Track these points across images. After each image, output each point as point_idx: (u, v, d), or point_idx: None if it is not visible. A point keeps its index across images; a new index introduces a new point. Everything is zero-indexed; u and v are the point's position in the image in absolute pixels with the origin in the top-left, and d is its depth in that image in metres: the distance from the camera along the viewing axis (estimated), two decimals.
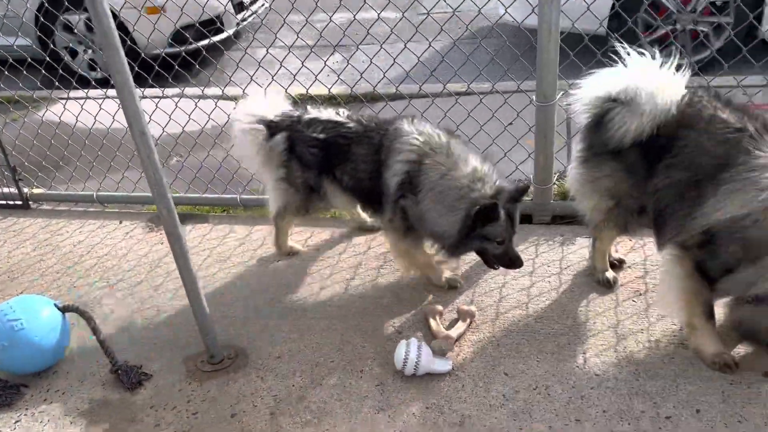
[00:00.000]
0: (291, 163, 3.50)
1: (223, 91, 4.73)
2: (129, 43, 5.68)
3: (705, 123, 2.59)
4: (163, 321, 3.43)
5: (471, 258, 3.63)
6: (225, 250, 4.00)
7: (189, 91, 4.97)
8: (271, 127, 3.52)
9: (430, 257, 3.37)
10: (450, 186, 2.97)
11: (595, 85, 2.82)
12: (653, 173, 2.72)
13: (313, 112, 3.49)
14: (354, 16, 4.03)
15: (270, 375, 2.99)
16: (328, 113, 3.46)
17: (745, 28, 4.63)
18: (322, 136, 3.37)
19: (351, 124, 3.35)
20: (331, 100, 5.62)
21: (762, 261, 2.36)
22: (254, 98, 3.69)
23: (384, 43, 4.12)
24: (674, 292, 2.71)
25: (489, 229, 2.93)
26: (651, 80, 2.65)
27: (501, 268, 3.13)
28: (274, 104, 3.63)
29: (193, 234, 4.24)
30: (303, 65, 4.40)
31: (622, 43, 2.79)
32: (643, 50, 2.77)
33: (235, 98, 4.48)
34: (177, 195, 4.53)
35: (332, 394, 2.83)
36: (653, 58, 2.73)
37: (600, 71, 2.84)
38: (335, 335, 3.17)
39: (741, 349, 2.78)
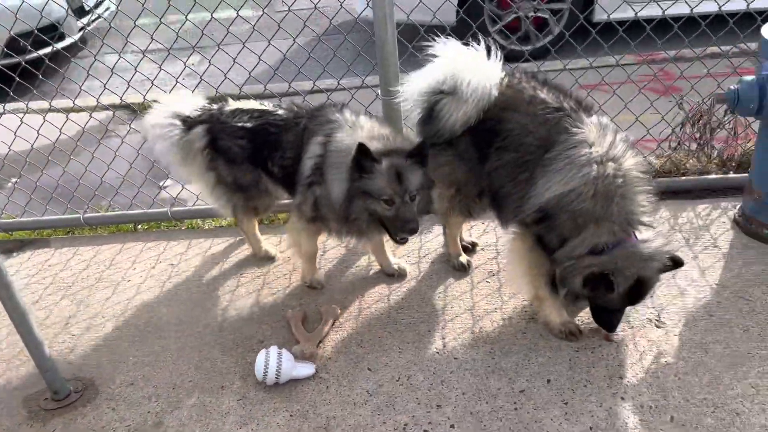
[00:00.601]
0: (217, 162, 3.21)
1: (74, 102, 4.34)
2: None
3: (526, 104, 2.72)
4: None
5: (333, 256, 3.60)
6: (69, 276, 3.70)
7: (35, 104, 4.54)
8: (188, 121, 3.23)
9: (314, 252, 3.28)
10: (341, 148, 2.82)
11: (419, 80, 2.88)
12: (486, 158, 2.82)
13: (236, 103, 3.25)
14: (212, 15, 3.85)
15: (123, 404, 2.79)
16: (252, 103, 3.24)
17: (580, 13, 4.91)
18: (249, 125, 3.11)
19: (280, 112, 3.14)
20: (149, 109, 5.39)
21: (586, 229, 2.52)
22: (170, 97, 3.42)
23: (247, 41, 3.98)
24: (519, 268, 2.84)
25: (368, 183, 2.69)
26: (467, 67, 2.74)
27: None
28: (191, 102, 3.34)
29: (33, 261, 3.89)
30: (161, 69, 4.15)
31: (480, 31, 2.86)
32: (456, 40, 2.85)
33: (87, 108, 4.17)
34: (11, 220, 4.14)
35: (191, 415, 2.69)
36: (467, 46, 2.82)
37: (421, 69, 2.90)
38: (193, 353, 3.02)
39: (584, 316, 2.95)
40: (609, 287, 2.47)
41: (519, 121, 2.70)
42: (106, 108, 4.53)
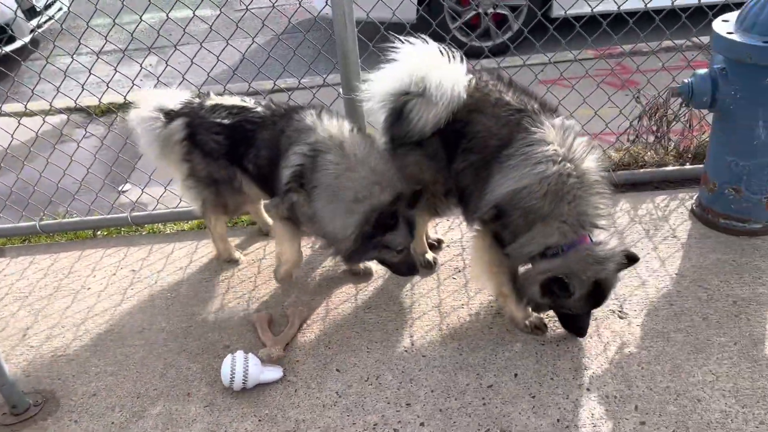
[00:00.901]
0: (193, 155, 3.19)
1: (26, 106, 4.19)
2: None
3: (492, 107, 2.73)
4: None
5: None
6: (26, 285, 3.59)
7: None
8: (170, 114, 3.19)
9: (297, 261, 3.23)
10: (346, 187, 2.78)
11: (385, 81, 2.86)
12: (454, 159, 2.83)
13: (216, 98, 3.20)
14: (167, 15, 3.76)
15: (85, 416, 2.72)
16: (233, 99, 3.19)
17: (539, 9, 4.96)
18: (227, 121, 3.08)
19: (258, 109, 3.09)
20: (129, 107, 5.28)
21: (535, 227, 2.54)
22: (154, 91, 3.36)
23: (204, 41, 3.90)
24: (481, 265, 2.86)
25: (389, 238, 2.81)
26: (436, 69, 2.73)
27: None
28: (175, 96, 3.29)
29: None
30: (116, 71, 4.05)
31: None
32: (419, 39, 2.85)
33: (40, 112, 4.03)
34: None
35: (157, 425, 2.64)
36: (428, 45, 2.82)
37: (384, 68, 2.88)
38: (157, 361, 2.96)
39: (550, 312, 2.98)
40: (566, 291, 2.49)
41: (484, 123, 2.71)
42: (60, 112, 4.41)
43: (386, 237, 2.81)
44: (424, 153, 2.93)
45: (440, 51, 2.79)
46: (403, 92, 2.80)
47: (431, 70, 2.72)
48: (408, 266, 2.96)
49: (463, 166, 2.79)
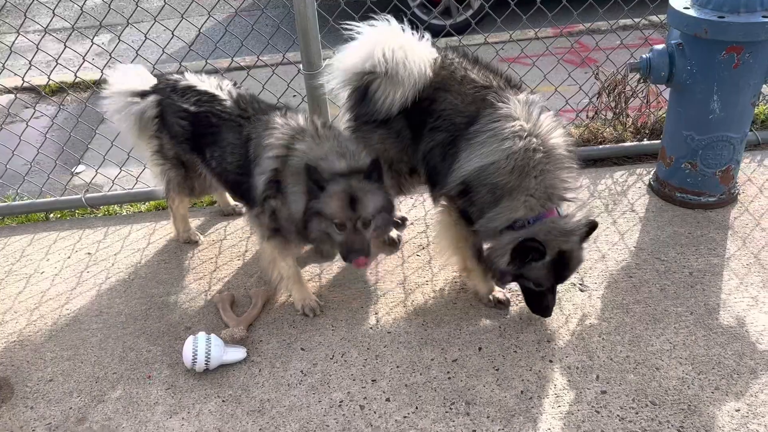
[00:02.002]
0: (162, 134, 3.11)
1: None
2: None
3: (458, 84, 2.72)
4: None
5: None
6: None
7: None
8: (145, 93, 3.11)
9: (296, 273, 2.98)
10: (302, 163, 2.63)
11: (348, 59, 2.82)
12: (420, 138, 2.82)
13: (192, 79, 3.08)
14: None
15: (42, 402, 2.64)
16: (209, 83, 3.05)
17: None
18: (192, 108, 2.97)
19: (227, 102, 2.96)
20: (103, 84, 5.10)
21: (503, 202, 2.54)
22: (132, 66, 3.27)
23: (158, 16, 3.76)
24: (447, 240, 2.86)
25: (321, 204, 2.56)
26: (401, 48, 2.70)
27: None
28: (145, 76, 3.22)
29: None
30: (66, 47, 3.88)
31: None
32: (380, 19, 2.81)
33: None
34: None
35: (117, 408, 2.58)
36: (391, 24, 2.79)
37: (346, 46, 2.84)
38: (116, 344, 2.89)
39: (514, 285, 3.01)
40: (538, 253, 2.49)
41: (451, 101, 2.70)
42: (8, 91, 4.23)
43: (316, 203, 2.56)
44: (389, 131, 2.90)
45: (403, 29, 2.76)
46: (367, 72, 2.76)
47: (396, 49, 2.68)
48: (349, 248, 2.59)
49: (430, 146, 2.77)
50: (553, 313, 2.79)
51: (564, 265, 2.57)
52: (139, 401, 2.60)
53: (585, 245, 2.63)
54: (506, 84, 2.73)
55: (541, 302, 2.69)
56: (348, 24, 2.83)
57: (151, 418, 2.52)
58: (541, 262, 2.51)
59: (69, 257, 3.50)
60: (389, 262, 3.25)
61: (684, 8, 3.07)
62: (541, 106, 2.66)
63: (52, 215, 3.98)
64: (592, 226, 2.58)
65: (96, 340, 2.92)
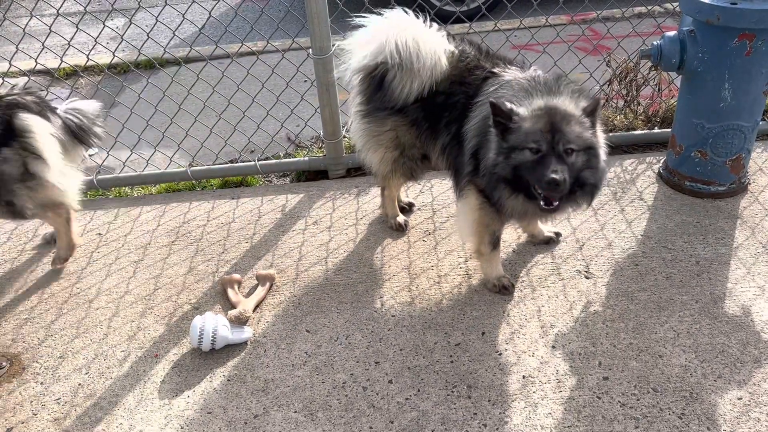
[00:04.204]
0: None
1: None
2: None
3: (469, 76, 2.73)
4: None
5: (269, 221, 3.55)
6: None
7: None
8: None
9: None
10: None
11: (360, 50, 2.82)
12: (437, 132, 2.84)
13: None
14: None
15: (51, 378, 2.69)
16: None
17: None
18: None
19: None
20: (114, 68, 5.15)
21: None
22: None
23: (170, 0, 3.79)
24: (468, 221, 2.87)
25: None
26: (412, 39, 2.70)
27: None
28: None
29: None
30: (78, 29, 3.91)
31: None
32: (395, 9, 2.81)
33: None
34: None
35: (125, 386, 2.62)
36: (406, 13, 2.79)
37: (359, 33, 2.83)
38: (124, 323, 2.93)
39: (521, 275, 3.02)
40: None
41: (464, 92, 2.72)
42: (22, 73, 4.27)
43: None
44: (404, 119, 2.91)
45: (416, 19, 2.77)
46: (382, 62, 2.76)
47: (409, 40, 2.68)
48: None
49: (448, 139, 2.80)
50: (557, 300, 2.79)
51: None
52: (146, 379, 2.64)
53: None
54: (508, 63, 2.75)
55: (543, 170, 2.33)
56: (360, 15, 2.82)
57: (157, 396, 2.57)
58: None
59: (80, 237, 3.54)
60: (395, 247, 3.27)
61: None
62: (544, 74, 2.64)
63: None
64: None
65: (105, 318, 2.97)
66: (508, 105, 2.40)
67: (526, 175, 2.40)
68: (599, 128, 2.51)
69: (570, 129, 2.34)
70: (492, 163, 2.50)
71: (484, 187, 2.65)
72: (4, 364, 2.77)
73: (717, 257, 3.02)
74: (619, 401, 2.38)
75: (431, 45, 2.73)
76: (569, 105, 2.41)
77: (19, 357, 2.81)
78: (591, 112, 2.41)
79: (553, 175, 2.28)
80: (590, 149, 2.41)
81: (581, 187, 2.47)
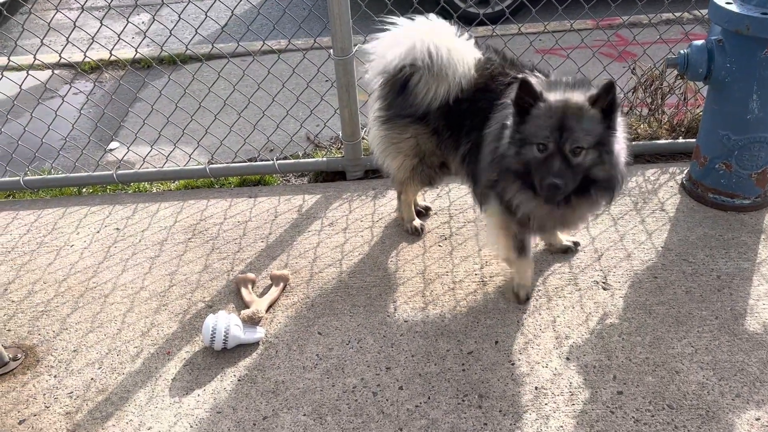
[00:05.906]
0: None
1: (9, 59, 4.09)
2: None
3: (494, 83, 2.70)
4: None
5: (285, 221, 3.55)
6: (8, 240, 3.56)
7: None
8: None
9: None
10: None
11: (388, 51, 2.78)
12: (458, 141, 2.80)
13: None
14: None
15: (65, 371, 2.71)
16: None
17: None
18: None
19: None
20: (137, 63, 5.19)
21: None
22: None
23: None
24: (493, 232, 2.84)
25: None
26: (449, 45, 2.67)
27: None
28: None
29: None
30: (102, 24, 3.94)
31: None
32: (422, 15, 2.79)
33: (25, 67, 3.91)
34: None
35: (137, 382, 2.64)
36: (430, 19, 2.76)
37: (385, 35, 2.81)
38: (138, 319, 2.95)
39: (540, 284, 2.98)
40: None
41: (487, 98, 2.67)
42: (47, 67, 4.32)
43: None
44: (426, 127, 2.87)
45: (447, 25, 2.74)
46: (410, 64, 2.73)
47: (439, 44, 2.65)
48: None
49: (468, 147, 2.76)
50: (573, 311, 2.74)
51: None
52: (158, 376, 2.65)
53: None
54: (531, 70, 2.71)
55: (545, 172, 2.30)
56: (384, 18, 2.79)
57: (168, 394, 2.57)
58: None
59: (98, 231, 3.58)
60: (410, 251, 3.24)
61: (726, 3, 2.96)
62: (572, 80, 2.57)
63: (84, 190, 4.06)
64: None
65: (119, 313, 2.98)
66: (540, 88, 2.36)
67: (531, 171, 2.37)
68: (618, 117, 2.37)
69: (580, 126, 2.27)
70: (502, 153, 2.46)
71: (495, 178, 2.60)
72: (19, 355, 2.80)
73: (739, 272, 2.95)
74: (633, 417, 2.33)
75: (463, 52, 2.71)
76: (582, 99, 2.35)
77: (34, 349, 2.84)
78: (604, 102, 2.29)
79: (554, 180, 2.25)
80: (601, 145, 2.34)
81: (594, 183, 2.41)
